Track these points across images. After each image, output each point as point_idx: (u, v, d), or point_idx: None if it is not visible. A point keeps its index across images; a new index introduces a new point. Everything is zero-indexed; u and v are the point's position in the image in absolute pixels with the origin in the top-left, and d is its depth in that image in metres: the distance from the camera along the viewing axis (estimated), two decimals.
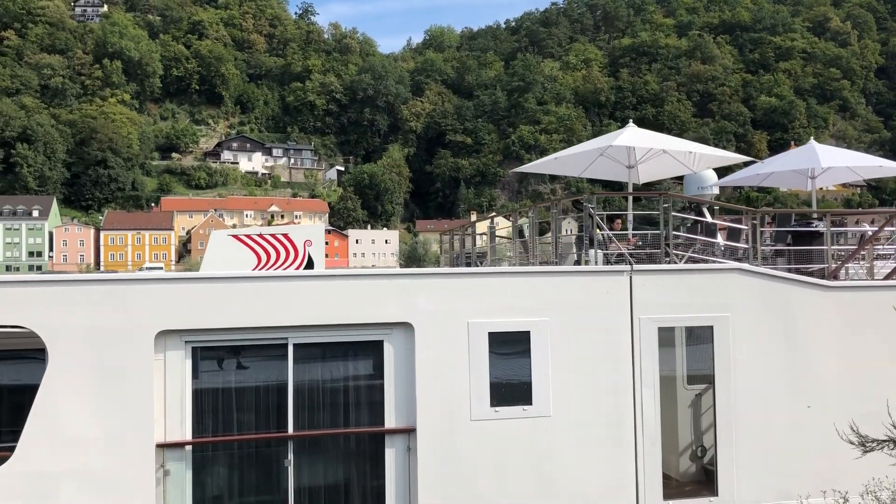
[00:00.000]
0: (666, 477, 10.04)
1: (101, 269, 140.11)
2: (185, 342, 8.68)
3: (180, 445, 8.63)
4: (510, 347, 9.55)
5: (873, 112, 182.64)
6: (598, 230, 11.95)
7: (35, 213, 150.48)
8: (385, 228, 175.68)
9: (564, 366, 9.58)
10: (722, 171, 23.03)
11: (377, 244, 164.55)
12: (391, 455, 9.18)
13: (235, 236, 10.01)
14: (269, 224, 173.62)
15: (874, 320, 10.63)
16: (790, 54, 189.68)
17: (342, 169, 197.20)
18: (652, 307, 9.90)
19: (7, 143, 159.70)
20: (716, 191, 26.76)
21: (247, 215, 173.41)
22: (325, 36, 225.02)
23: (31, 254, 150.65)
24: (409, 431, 9.17)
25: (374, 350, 9.22)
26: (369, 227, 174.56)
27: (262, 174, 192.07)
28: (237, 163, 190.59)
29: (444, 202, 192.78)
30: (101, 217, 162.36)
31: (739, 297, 10.22)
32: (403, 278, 9.50)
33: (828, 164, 20.08)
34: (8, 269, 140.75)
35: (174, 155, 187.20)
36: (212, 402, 8.79)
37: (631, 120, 19.55)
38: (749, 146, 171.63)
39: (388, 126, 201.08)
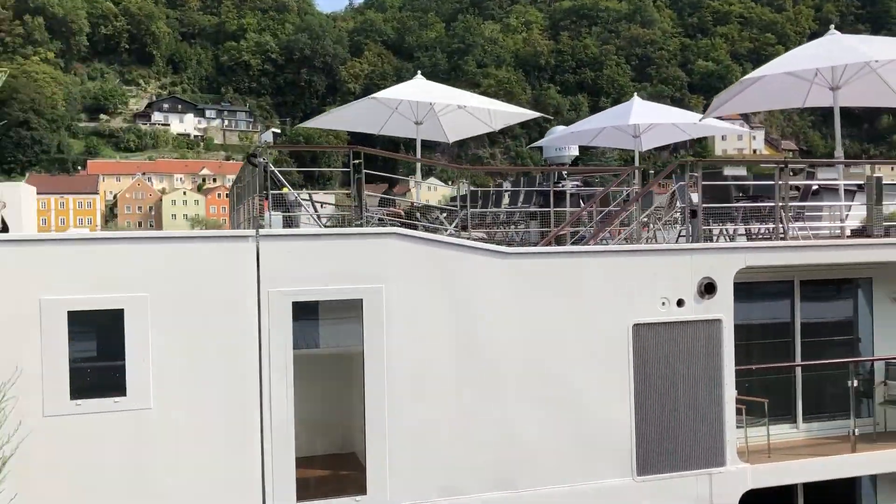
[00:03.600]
0: (303, 474, 8.74)
1: None
2: None
3: None
4: (98, 329, 8.06)
5: None
6: (285, 190, 10.55)
7: None
8: (321, 192, 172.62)
9: (170, 349, 8.16)
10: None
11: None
12: None
13: None
14: (200, 188, 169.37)
15: (559, 290, 9.43)
16: (728, 19, 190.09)
17: (278, 131, 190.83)
18: (284, 279, 8.52)
19: None
20: (574, 151, 25.53)
21: (177, 179, 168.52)
22: None
23: None
24: None
25: None
26: (304, 189, 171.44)
27: (195, 136, 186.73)
28: (168, 125, 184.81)
29: (384, 166, 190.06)
30: (23, 180, 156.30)
31: (396, 266, 8.90)
32: None
33: (638, 120, 18.96)
34: None
35: (102, 116, 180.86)
36: None
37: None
38: (687, 110, 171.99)
39: (326, 87, 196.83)
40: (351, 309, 8.87)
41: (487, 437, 9.25)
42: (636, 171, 11.37)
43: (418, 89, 16.50)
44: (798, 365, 11.66)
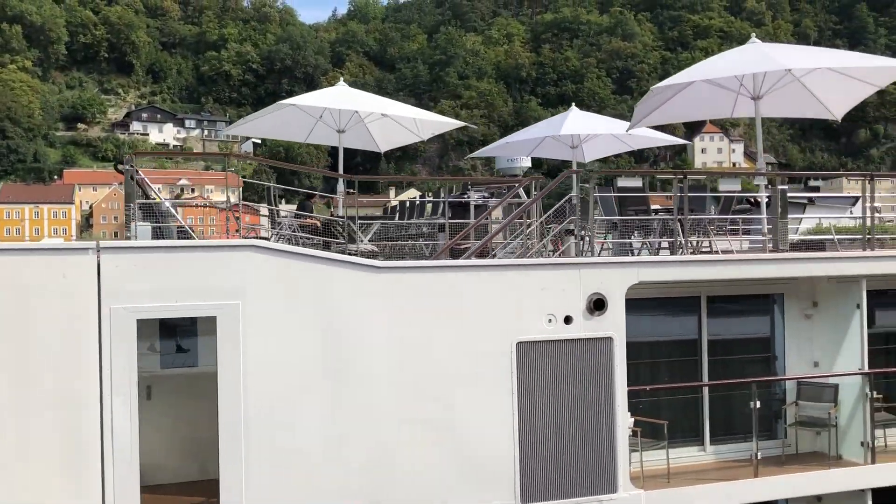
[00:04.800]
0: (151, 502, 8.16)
1: None
2: None
3: None
4: None
5: None
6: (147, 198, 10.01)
7: None
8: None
9: None
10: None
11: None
12: None
13: None
14: (178, 198, 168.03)
15: (437, 306, 8.92)
16: (708, 33, 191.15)
17: (258, 142, 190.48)
18: (129, 295, 7.95)
19: None
20: (527, 163, 25.00)
21: (155, 189, 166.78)
22: (245, 4, 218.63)
23: None
24: None
25: None
26: (284, 201, 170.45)
27: (174, 146, 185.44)
28: (147, 134, 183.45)
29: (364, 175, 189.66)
30: None
31: (256, 280, 8.34)
32: None
33: (572, 130, 18.56)
34: None
35: (80, 125, 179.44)
36: None
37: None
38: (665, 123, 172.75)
39: None
40: (209, 326, 8.33)
41: (359, 463, 8.72)
42: (533, 182, 10.91)
43: (340, 96, 16.03)
44: (694, 385, 11.18)
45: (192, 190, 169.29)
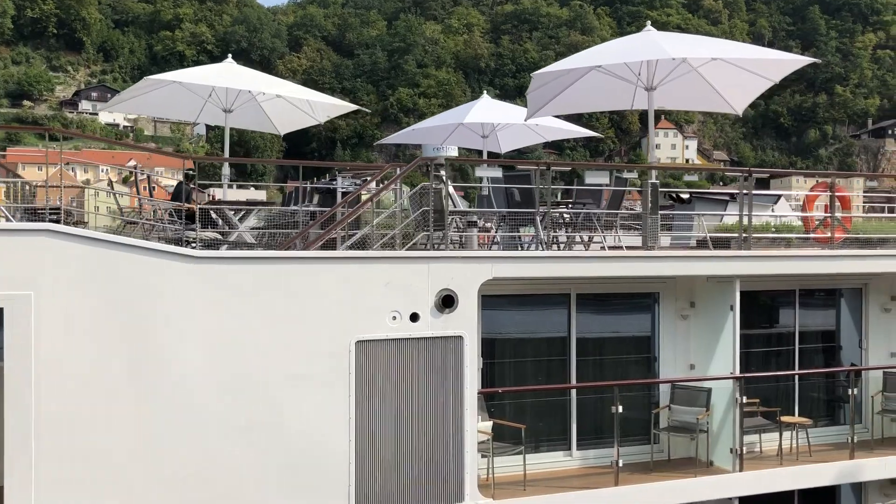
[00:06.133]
0: None
1: None
2: None
3: None
4: None
5: None
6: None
7: None
8: (253, 188, 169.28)
9: None
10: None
11: None
12: None
13: None
14: (125, 180, 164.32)
15: (265, 300, 8.21)
16: (665, 29, 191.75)
17: (211, 124, 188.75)
18: None
19: None
20: (453, 152, 24.36)
21: (102, 170, 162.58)
22: None
23: None
24: None
25: None
26: (235, 186, 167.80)
27: (124, 127, 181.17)
28: (96, 114, 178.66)
29: (320, 160, 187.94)
30: None
31: (51, 269, 7.52)
32: None
33: (476, 118, 18.01)
34: None
35: (26, 103, 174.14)
36: None
37: None
38: (621, 118, 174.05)
39: None
40: None
41: (174, 470, 7.98)
42: (397, 169, 10.22)
43: (227, 74, 15.20)
44: (553, 388, 10.68)
45: (142, 172, 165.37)
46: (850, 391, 11.25)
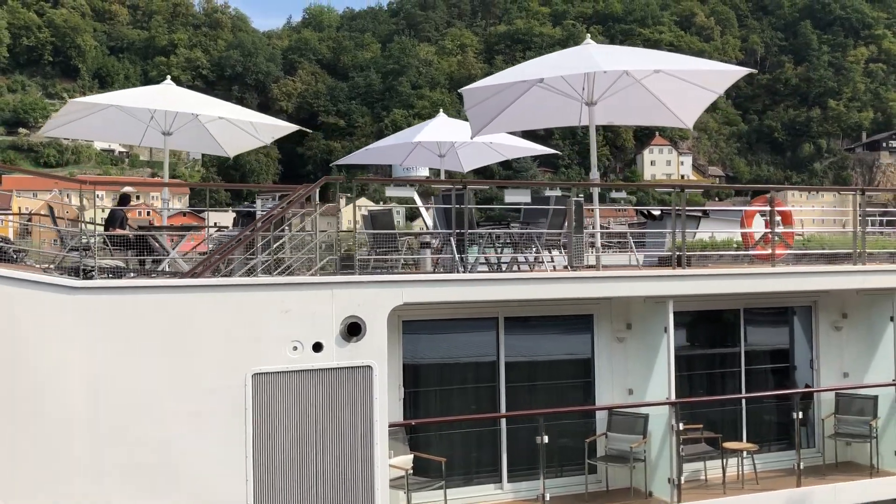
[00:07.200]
0: None
1: None
2: None
3: None
4: None
5: (732, 105, 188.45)
6: None
7: None
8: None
9: None
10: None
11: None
12: None
13: None
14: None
15: (151, 333, 7.73)
16: (658, 47, 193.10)
17: (156, 147, 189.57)
18: None
19: None
20: (424, 172, 23.98)
21: (98, 196, 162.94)
22: (196, 9, 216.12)
23: None
24: None
25: None
26: (230, 210, 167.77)
27: (120, 152, 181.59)
28: (91, 140, 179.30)
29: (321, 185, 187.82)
30: None
31: None
32: None
33: (427, 137, 17.66)
34: None
35: (21, 130, 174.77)
36: None
37: None
38: (616, 136, 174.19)
39: (258, 105, 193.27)
40: None
41: None
42: (314, 192, 9.77)
43: (167, 96, 14.82)
44: (472, 419, 10.16)
45: (138, 197, 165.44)
46: (794, 415, 10.72)
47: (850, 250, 11.13)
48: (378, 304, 8.54)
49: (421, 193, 15.41)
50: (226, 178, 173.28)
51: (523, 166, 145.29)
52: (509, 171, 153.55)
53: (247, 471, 8.02)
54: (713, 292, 10.25)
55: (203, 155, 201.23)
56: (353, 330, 8.43)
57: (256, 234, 8.66)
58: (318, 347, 8.31)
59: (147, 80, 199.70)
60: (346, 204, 16.19)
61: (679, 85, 12.35)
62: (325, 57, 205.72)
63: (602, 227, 25.46)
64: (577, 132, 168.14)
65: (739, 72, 11.92)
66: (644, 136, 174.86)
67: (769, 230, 10.60)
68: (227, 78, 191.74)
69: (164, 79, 15.70)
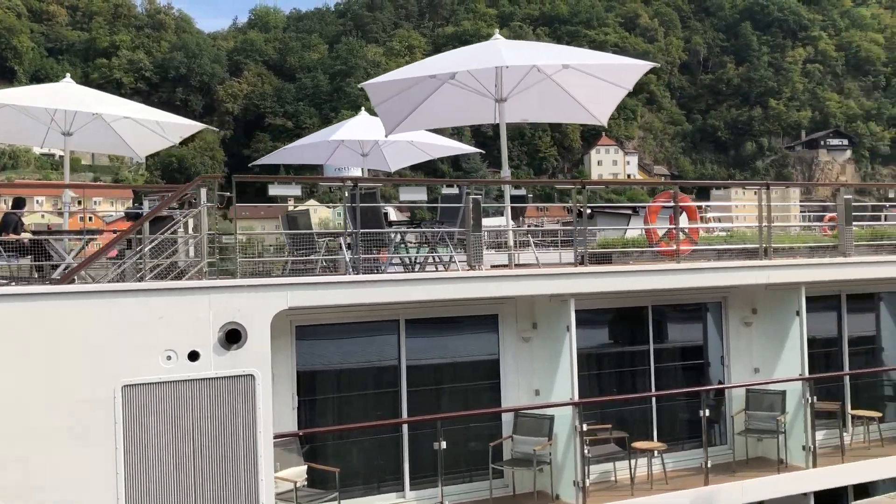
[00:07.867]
0: None
1: None
2: None
3: None
4: None
5: (677, 105, 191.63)
6: None
7: None
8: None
9: None
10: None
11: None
12: None
13: None
14: (60, 211, 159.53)
15: (5, 342, 7.20)
16: (603, 48, 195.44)
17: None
18: None
19: None
20: (356, 172, 23.46)
21: (37, 202, 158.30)
22: (139, 10, 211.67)
23: None
24: None
25: None
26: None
27: (61, 156, 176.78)
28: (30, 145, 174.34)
29: (263, 187, 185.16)
30: None
31: None
32: None
33: (346, 136, 17.32)
34: None
35: None
36: None
37: None
38: (563, 136, 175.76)
39: (203, 107, 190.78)
40: None
41: None
42: (203, 191, 9.30)
43: (69, 95, 14.12)
44: (371, 426, 9.82)
45: (79, 202, 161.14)
46: (701, 412, 10.61)
47: (757, 245, 11.08)
48: (260, 310, 8.13)
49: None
50: (170, 181, 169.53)
51: (472, 167, 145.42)
52: (459, 171, 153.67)
53: (118, 490, 7.53)
54: (616, 290, 10.07)
55: (147, 158, 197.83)
56: (233, 337, 8.00)
57: (126, 237, 8.16)
58: (194, 356, 7.86)
59: (88, 83, 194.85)
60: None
61: (589, 80, 12.19)
62: (271, 58, 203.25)
63: (534, 225, 25.19)
64: (524, 132, 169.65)
65: (645, 66, 11.80)
66: (591, 136, 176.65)
67: (673, 226, 10.48)
68: (170, 80, 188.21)
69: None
